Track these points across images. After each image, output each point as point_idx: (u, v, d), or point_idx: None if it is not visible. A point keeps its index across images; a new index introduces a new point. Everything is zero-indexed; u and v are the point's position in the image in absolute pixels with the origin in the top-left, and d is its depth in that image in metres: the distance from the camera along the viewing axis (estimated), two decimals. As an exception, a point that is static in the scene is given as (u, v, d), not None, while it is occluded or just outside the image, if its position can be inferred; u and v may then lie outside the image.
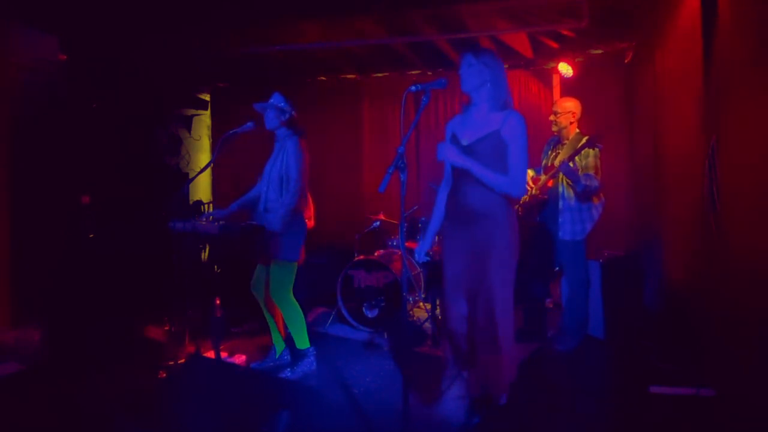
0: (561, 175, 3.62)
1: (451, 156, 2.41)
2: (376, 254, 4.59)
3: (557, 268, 4.06)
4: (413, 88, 2.26)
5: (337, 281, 4.44)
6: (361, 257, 4.48)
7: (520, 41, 4.81)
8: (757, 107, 2.30)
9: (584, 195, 3.58)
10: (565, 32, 4.52)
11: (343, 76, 5.80)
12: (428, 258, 2.78)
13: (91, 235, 4.50)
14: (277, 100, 3.34)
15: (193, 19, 4.21)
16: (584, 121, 3.85)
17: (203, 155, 6.24)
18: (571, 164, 3.53)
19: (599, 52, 4.91)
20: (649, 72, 4.17)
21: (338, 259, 4.89)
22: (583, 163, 3.59)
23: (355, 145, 6.07)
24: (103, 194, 4.61)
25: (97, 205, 4.56)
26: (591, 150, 3.56)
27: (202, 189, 6.31)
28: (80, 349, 3.70)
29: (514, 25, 4.37)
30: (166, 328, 4.19)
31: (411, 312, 4.67)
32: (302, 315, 3.35)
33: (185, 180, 5.47)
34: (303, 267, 3.41)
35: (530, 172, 3.88)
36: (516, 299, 2.52)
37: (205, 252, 3.66)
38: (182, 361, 3.47)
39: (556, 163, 3.66)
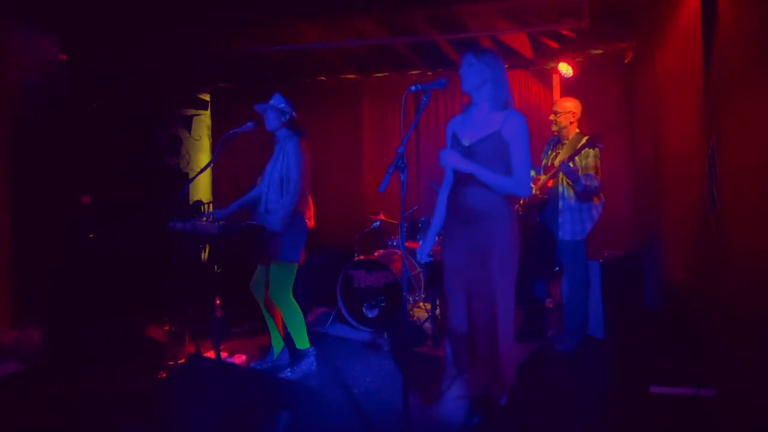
0: (561, 175, 3.62)
1: (454, 162, 2.41)
2: (376, 254, 4.59)
3: (557, 268, 4.06)
4: (413, 88, 2.26)
5: (337, 281, 4.44)
6: (361, 257, 4.48)
7: (520, 41, 4.81)
8: (757, 107, 2.30)
9: (584, 195, 3.58)
10: (565, 32, 4.52)
11: (343, 76, 5.80)
12: (430, 258, 2.77)
13: (91, 235, 4.50)
14: (277, 101, 3.34)
15: (193, 19, 4.21)
16: (584, 121, 3.85)
17: (203, 155, 6.24)
18: (571, 164, 3.53)
19: (599, 52, 4.91)
20: (649, 72, 4.17)
21: (338, 259, 4.89)
22: (583, 163, 3.59)
23: (355, 145, 6.07)
24: (103, 194, 4.61)
25: (97, 205, 4.56)
26: (591, 150, 3.56)
27: (202, 189, 6.31)
28: (80, 349, 3.70)
29: (514, 25, 4.37)
30: (166, 328, 4.19)
31: (411, 312, 4.67)
32: (302, 315, 3.35)
33: (185, 180, 5.47)
34: (303, 267, 3.41)
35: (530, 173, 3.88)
36: (516, 299, 2.52)
37: (205, 252, 3.66)
38: (182, 361, 3.47)
39: (556, 163, 3.66)
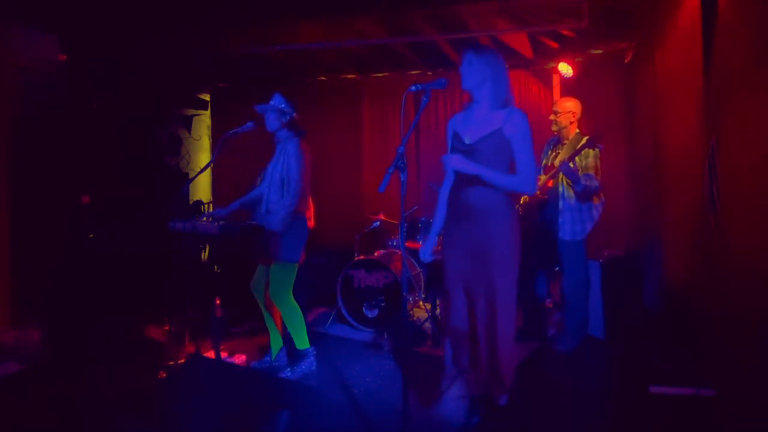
0: (561, 175, 3.62)
1: (459, 165, 2.38)
2: (376, 254, 4.59)
3: (557, 268, 4.06)
4: (413, 88, 2.26)
5: (337, 281, 4.45)
6: (361, 257, 4.48)
7: (520, 41, 4.80)
8: (757, 107, 2.30)
9: (584, 195, 3.58)
10: (565, 32, 4.52)
11: (343, 76, 5.79)
12: (434, 257, 2.77)
13: (91, 235, 4.50)
14: (277, 101, 3.34)
15: (193, 19, 4.21)
16: (584, 121, 3.85)
17: (203, 155, 6.24)
18: (571, 164, 3.53)
19: (599, 52, 4.91)
20: (649, 72, 4.17)
21: (338, 259, 4.89)
22: (583, 163, 3.59)
23: (355, 145, 6.07)
24: (103, 194, 4.61)
25: (97, 205, 4.56)
26: (591, 150, 3.56)
27: (202, 189, 6.31)
28: (80, 349, 3.70)
29: (514, 25, 4.37)
30: (166, 328, 4.19)
31: (411, 312, 4.67)
32: (302, 315, 3.35)
33: (185, 180, 5.47)
34: (303, 267, 3.41)
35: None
36: (516, 299, 2.52)
37: (205, 252, 3.66)
38: (182, 361, 3.47)
39: (556, 163, 3.66)
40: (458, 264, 2.53)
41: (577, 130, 3.76)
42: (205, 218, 3.25)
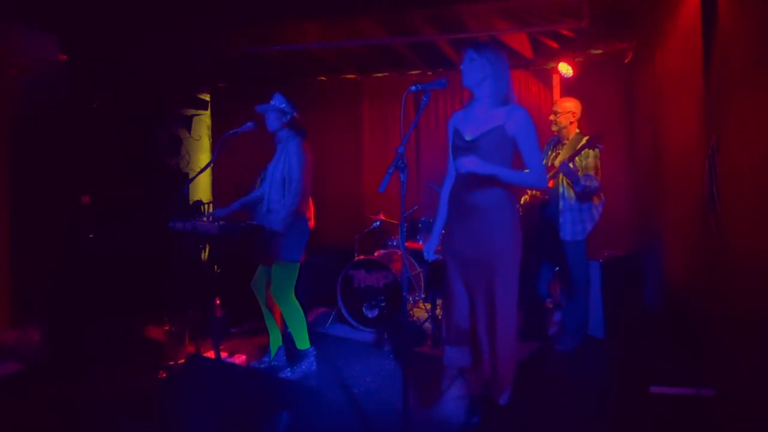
0: (561, 175, 3.62)
1: (474, 166, 2.31)
2: (376, 254, 4.59)
3: (557, 268, 4.06)
4: (413, 88, 2.26)
5: (337, 281, 4.45)
6: (361, 257, 4.48)
7: (520, 41, 4.81)
8: (757, 107, 2.30)
9: (584, 195, 3.58)
10: (565, 32, 4.52)
11: (343, 76, 5.80)
12: (437, 256, 2.77)
13: (91, 235, 4.50)
14: (278, 101, 3.34)
15: (193, 19, 4.21)
16: (584, 121, 3.85)
17: (203, 155, 6.24)
18: (571, 165, 3.53)
19: (599, 52, 4.91)
20: (649, 72, 4.18)
21: (338, 259, 4.89)
22: (583, 163, 3.59)
23: (355, 145, 6.07)
24: (103, 194, 4.61)
25: (97, 205, 4.56)
26: (591, 150, 3.56)
27: (202, 189, 6.31)
28: (80, 349, 3.70)
29: (514, 25, 4.37)
30: (166, 328, 4.19)
31: (411, 312, 4.67)
32: (303, 315, 3.35)
33: (185, 180, 5.47)
34: (303, 267, 3.41)
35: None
36: (517, 299, 2.52)
37: (205, 252, 3.66)
38: (182, 361, 3.47)
39: (556, 163, 3.66)
40: (459, 263, 2.53)
41: (577, 130, 3.76)
42: (205, 218, 3.25)
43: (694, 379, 2.91)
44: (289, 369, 3.35)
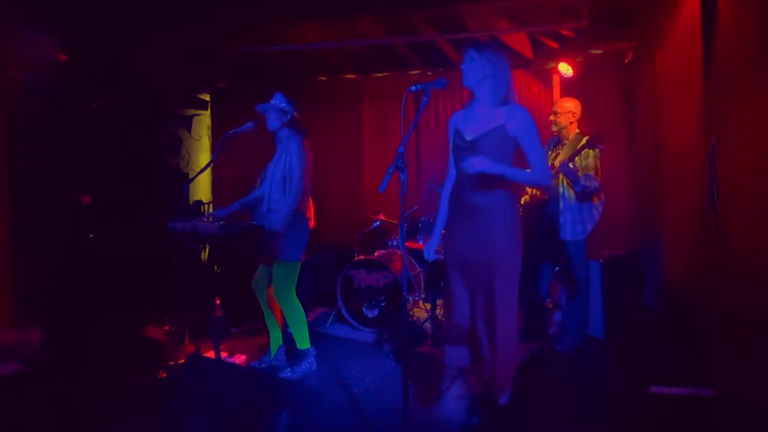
0: (561, 175, 3.62)
1: (483, 166, 2.29)
2: (376, 254, 4.59)
3: (557, 268, 4.06)
4: (413, 88, 2.26)
5: (337, 281, 4.44)
6: (361, 257, 4.48)
7: (520, 41, 4.80)
8: (757, 107, 2.30)
9: (584, 195, 3.58)
10: (565, 32, 4.52)
11: (343, 76, 5.80)
12: (437, 256, 2.76)
13: (91, 235, 4.50)
14: (278, 100, 3.33)
15: (193, 19, 4.21)
16: (584, 121, 3.85)
17: (203, 155, 6.24)
18: (570, 165, 3.53)
19: (599, 52, 4.91)
20: (649, 72, 4.17)
21: (338, 259, 4.89)
22: (583, 163, 3.59)
23: (355, 145, 6.07)
24: (103, 194, 4.61)
25: (97, 205, 4.56)
26: (591, 150, 3.56)
27: (202, 189, 6.31)
28: (80, 349, 3.70)
29: (514, 25, 4.37)
30: (166, 328, 4.19)
31: (411, 312, 4.67)
32: (304, 315, 3.36)
33: (185, 180, 5.46)
34: (303, 267, 3.41)
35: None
36: (518, 299, 2.52)
37: (205, 252, 3.66)
38: (182, 361, 3.47)
39: (557, 163, 3.66)
40: (460, 263, 2.53)
41: (577, 131, 3.76)
42: (205, 218, 3.25)
43: (694, 379, 2.91)
44: (289, 369, 3.35)
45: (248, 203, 3.52)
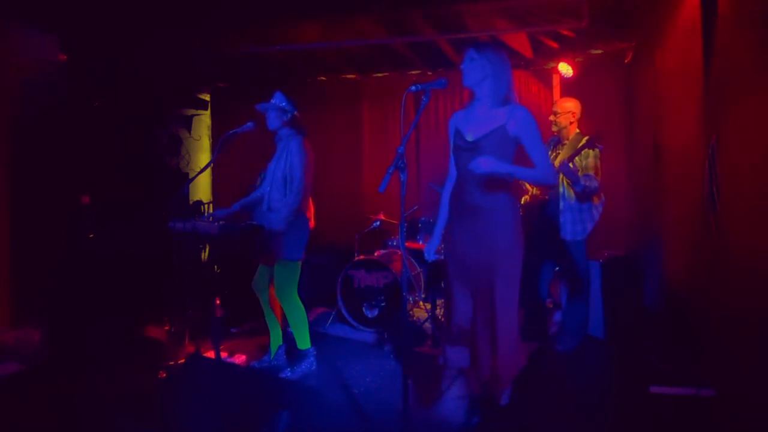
0: (561, 175, 3.62)
1: (491, 166, 2.28)
2: (376, 254, 4.59)
3: (557, 268, 4.06)
4: (413, 88, 2.26)
5: (337, 281, 4.44)
6: (361, 257, 4.48)
7: (520, 41, 4.81)
8: (757, 107, 2.30)
9: (584, 195, 3.58)
10: (565, 32, 4.52)
11: (343, 76, 5.80)
12: (437, 256, 2.76)
13: (91, 235, 4.50)
14: (278, 100, 3.33)
15: (193, 19, 4.21)
16: (584, 121, 3.85)
17: (203, 155, 6.24)
18: (571, 165, 3.53)
19: (599, 52, 4.91)
20: (649, 72, 4.17)
21: (338, 259, 4.89)
22: (583, 163, 3.59)
23: (355, 145, 6.07)
24: (103, 194, 4.61)
25: (97, 205, 4.56)
26: (591, 150, 3.56)
27: (202, 189, 6.31)
28: (80, 349, 3.70)
29: (514, 25, 4.37)
30: (166, 328, 4.19)
31: (411, 312, 4.67)
32: (305, 315, 3.36)
33: (185, 180, 5.47)
34: (303, 267, 3.41)
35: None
36: (519, 299, 2.52)
37: (205, 252, 3.66)
38: (182, 361, 3.47)
39: (557, 163, 3.66)
40: (461, 264, 2.53)
41: (577, 131, 3.76)
42: (206, 219, 3.26)
43: (694, 379, 2.91)
44: (289, 369, 3.35)
45: (249, 204, 3.52)
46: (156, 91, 5.29)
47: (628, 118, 4.98)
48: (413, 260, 4.76)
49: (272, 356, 3.49)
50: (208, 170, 6.29)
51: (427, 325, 4.30)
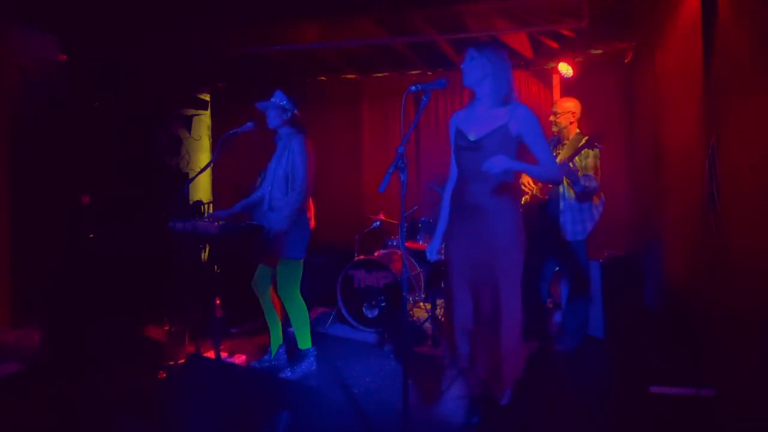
0: (561, 175, 3.62)
1: (505, 164, 2.28)
2: (376, 254, 4.59)
3: (557, 268, 4.05)
4: (413, 88, 2.26)
5: (337, 281, 4.44)
6: (361, 257, 4.48)
7: (520, 41, 4.81)
8: (757, 107, 2.30)
9: (583, 195, 3.58)
10: (565, 32, 4.52)
11: (343, 76, 5.80)
12: (439, 256, 2.76)
13: (91, 235, 4.50)
14: (279, 98, 3.33)
15: (193, 19, 4.21)
16: (584, 121, 3.84)
17: (203, 155, 6.24)
18: (570, 165, 3.53)
19: (599, 52, 4.91)
20: (649, 72, 4.17)
21: (338, 259, 4.89)
22: (583, 163, 3.59)
23: (355, 145, 6.07)
24: (103, 194, 4.61)
25: (97, 205, 4.56)
26: (591, 150, 3.56)
27: (202, 189, 6.31)
28: (80, 349, 3.70)
29: (514, 25, 4.37)
30: (166, 328, 4.19)
31: (411, 312, 4.67)
32: (307, 314, 3.37)
33: (185, 180, 5.47)
34: (303, 266, 3.41)
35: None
36: (521, 299, 2.52)
37: (205, 252, 3.66)
38: (182, 361, 3.47)
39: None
40: (462, 264, 2.53)
41: (577, 130, 3.75)
42: (207, 219, 3.26)
43: (694, 379, 2.91)
44: (289, 369, 3.35)
45: (250, 204, 3.51)
46: (156, 91, 5.29)
47: (628, 118, 4.98)
48: (413, 260, 4.76)
49: (273, 356, 3.49)
50: (208, 170, 6.29)
51: (427, 325, 4.30)
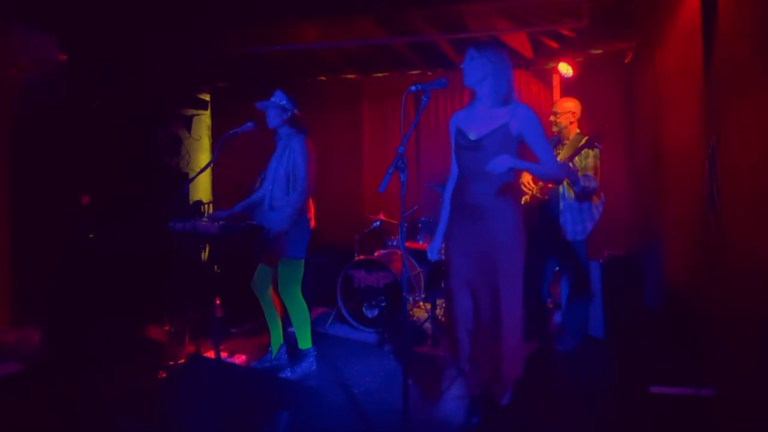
0: (561, 175, 3.61)
1: (510, 164, 2.30)
2: (376, 254, 4.59)
3: (557, 269, 4.05)
4: (413, 88, 2.26)
5: (337, 281, 4.44)
6: (361, 257, 4.48)
7: (520, 41, 4.81)
8: (757, 107, 2.30)
9: (583, 195, 3.58)
10: (565, 32, 4.52)
11: (343, 76, 5.80)
12: (440, 256, 2.77)
13: (91, 235, 4.50)
14: (279, 98, 3.33)
15: (193, 19, 4.21)
16: (584, 121, 3.85)
17: (203, 155, 6.24)
18: (570, 165, 3.53)
19: (599, 52, 4.91)
20: (649, 72, 4.17)
21: (338, 259, 4.89)
22: (583, 163, 3.59)
23: (355, 145, 6.07)
24: (103, 194, 4.61)
25: (97, 205, 4.56)
26: (591, 151, 3.56)
27: (202, 189, 6.31)
28: (80, 349, 3.70)
29: (514, 25, 4.37)
30: (166, 328, 4.19)
31: (411, 312, 4.67)
32: (308, 314, 3.37)
33: (185, 180, 5.47)
34: (304, 266, 3.41)
35: (531, 173, 3.88)
36: (522, 299, 2.52)
37: (205, 252, 3.67)
38: (182, 361, 3.47)
39: (556, 163, 3.66)
40: (463, 264, 2.53)
41: (577, 130, 3.75)
42: (206, 219, 3.26)
43: (694, 379, 2.91)
44: (289, 369, 3.35)
45: (250, 205, 3.51)
46: (156, 91, 5.29)
47: (628, 118, 4.98)
48: (413, 260, 4.76)
49: (273, 355, 3.49)
50: (208, 170, 6.29)
51: (427, 325, 4.30)
